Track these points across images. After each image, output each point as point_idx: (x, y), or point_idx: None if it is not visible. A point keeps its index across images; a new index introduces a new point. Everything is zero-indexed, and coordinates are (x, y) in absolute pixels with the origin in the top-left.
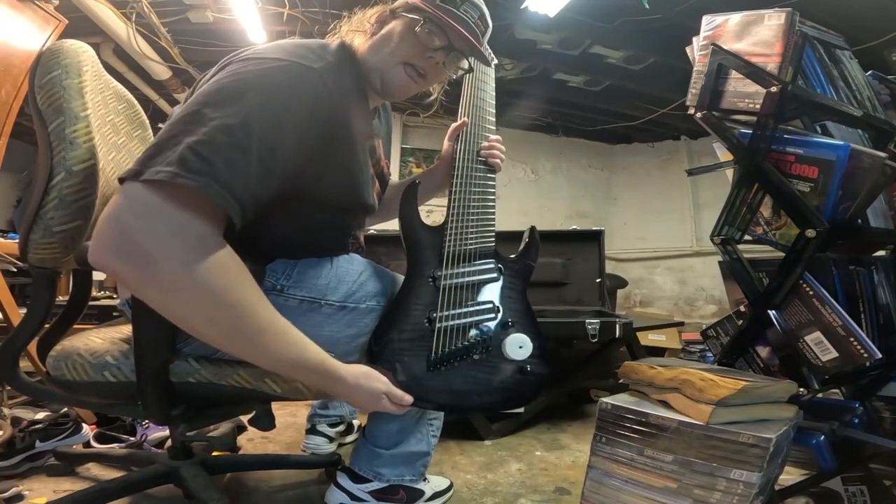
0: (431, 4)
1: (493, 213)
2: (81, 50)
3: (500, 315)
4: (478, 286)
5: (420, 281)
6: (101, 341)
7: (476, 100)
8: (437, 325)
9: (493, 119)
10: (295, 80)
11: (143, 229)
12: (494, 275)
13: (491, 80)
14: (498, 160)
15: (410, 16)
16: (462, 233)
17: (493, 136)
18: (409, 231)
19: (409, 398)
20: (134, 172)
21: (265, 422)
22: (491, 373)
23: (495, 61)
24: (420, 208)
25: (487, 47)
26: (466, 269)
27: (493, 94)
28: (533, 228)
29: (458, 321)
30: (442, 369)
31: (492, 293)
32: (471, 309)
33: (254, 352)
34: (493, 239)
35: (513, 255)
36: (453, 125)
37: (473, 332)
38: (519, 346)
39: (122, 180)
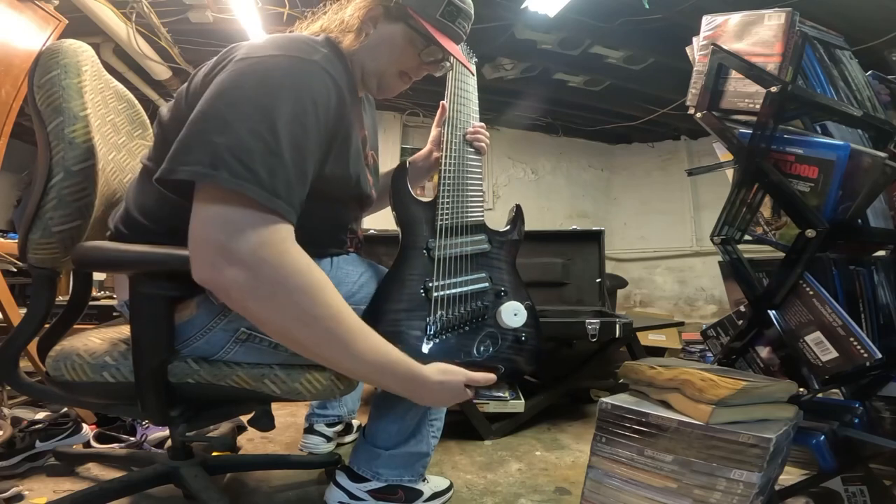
0: (426, 17)
1: (481, 190)
2: (81, 50)
3: (492, 284)
4: (470, 257)
5: (415, 252)
6: (100, 342)
7: (459, 91)
8: (434, 294)
9: (476, 108)
10: (306, 79)
11: (235, 245)
12: (485, 246)
13: (472, 76)
14: (483, 143)
15: (412, 31)
16: (453, 207)
17: (476, 123)
18: (401, 205)
19: (491, 376)
20: (193, 173)
21: (264, 422)
22: (490, 341)
23: (475, 60)
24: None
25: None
26: (459, 241)
27: (475, 84)
28: (518, 206)
29: (453, 290)
30: (439, 339)
31: (484, 264)
32: (465, 278)
33: (346, 354)
34: (482, 213)
35: (501, 229)
36: (438, 112)
37: (469, 300)
38: (514, 313)
39: (160, 181)
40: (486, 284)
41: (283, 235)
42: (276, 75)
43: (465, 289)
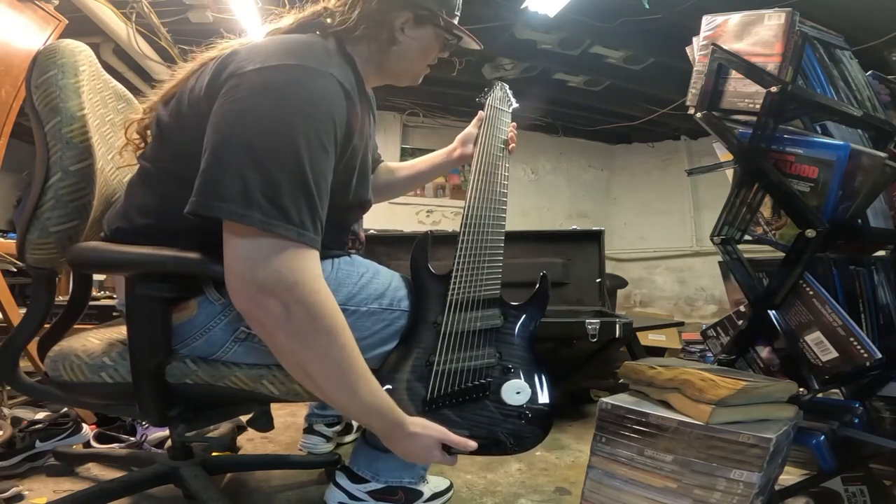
0: (449, 13)
1: (500, 262)
2: (78, 50)
3: (499, 361)
4: (479, 333)
5: (424, 326)
6: (98, 342)
7: (492, 138)
8: (435, 367)
9: (509, 167)
10: (325, 98)
11: (272, 285)
12: (497, 321)
13: (508, 118)
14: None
15: (440, 30)
16: (467, 281)
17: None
18: (416, 278)
19: (471, 444)
20: (230, 213)
21: (263, 423)
22: (488, 416)
23: (516, 104)
24: (420, 208)
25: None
26: (469, 316)
27: (507, 134)
28: (544, 276)
29: (456, 364)
30: (437, 409)
31: (493, 340)
32: (470, 353)
33: (346, 393)
34: (498, 287)
35: (517, 303)
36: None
37: (472, 375)
38: (516, 391)
39: (192, 214)
40: (493, 360)
41: (314, 272)
42: (292, 93)
43: (469, 364)
